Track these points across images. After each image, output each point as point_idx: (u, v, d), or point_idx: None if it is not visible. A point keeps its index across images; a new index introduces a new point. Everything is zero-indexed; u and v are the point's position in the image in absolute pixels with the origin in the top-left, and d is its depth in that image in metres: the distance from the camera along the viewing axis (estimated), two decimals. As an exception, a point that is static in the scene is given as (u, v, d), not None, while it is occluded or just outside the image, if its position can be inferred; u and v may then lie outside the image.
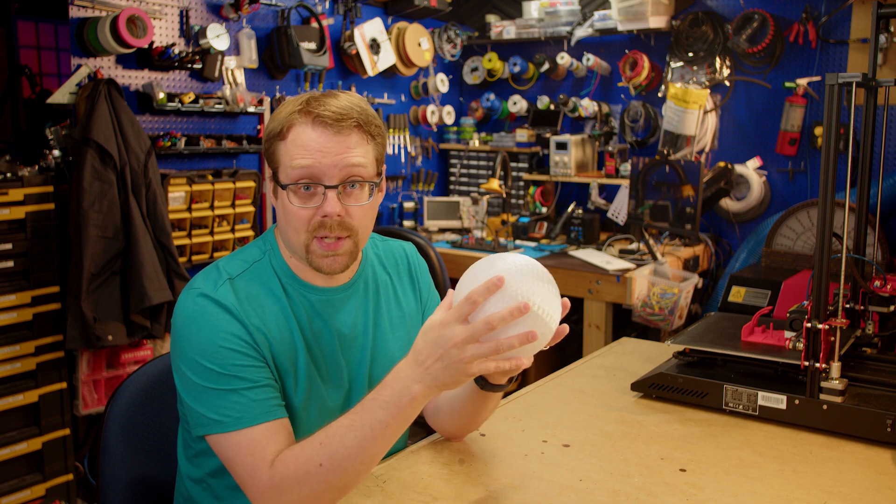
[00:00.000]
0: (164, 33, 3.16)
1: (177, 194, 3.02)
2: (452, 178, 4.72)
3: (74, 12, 2.87)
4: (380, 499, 1.22)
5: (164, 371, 1.42)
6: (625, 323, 3.45)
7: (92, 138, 2.63)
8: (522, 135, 4.30)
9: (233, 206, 3.26)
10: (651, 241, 3.53)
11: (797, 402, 1.49)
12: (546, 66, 4.25)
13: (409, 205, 4.46)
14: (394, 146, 4.35)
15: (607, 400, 1.66)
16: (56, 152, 2.72)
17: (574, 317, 3.43)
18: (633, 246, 3.69)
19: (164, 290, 2.76)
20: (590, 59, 4.08)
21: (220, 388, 1.13)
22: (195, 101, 3.19)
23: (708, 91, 3.71)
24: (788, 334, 1.63)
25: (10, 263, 2.56)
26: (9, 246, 2.55)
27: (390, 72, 4.21)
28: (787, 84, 3.50)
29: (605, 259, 3.46)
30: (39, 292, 2.64)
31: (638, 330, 3.39)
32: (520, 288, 1.03)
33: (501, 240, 3.88)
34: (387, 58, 4.08)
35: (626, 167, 3.88)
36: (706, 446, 1.42)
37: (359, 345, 1.31)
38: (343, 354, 1.29)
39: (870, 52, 1.77)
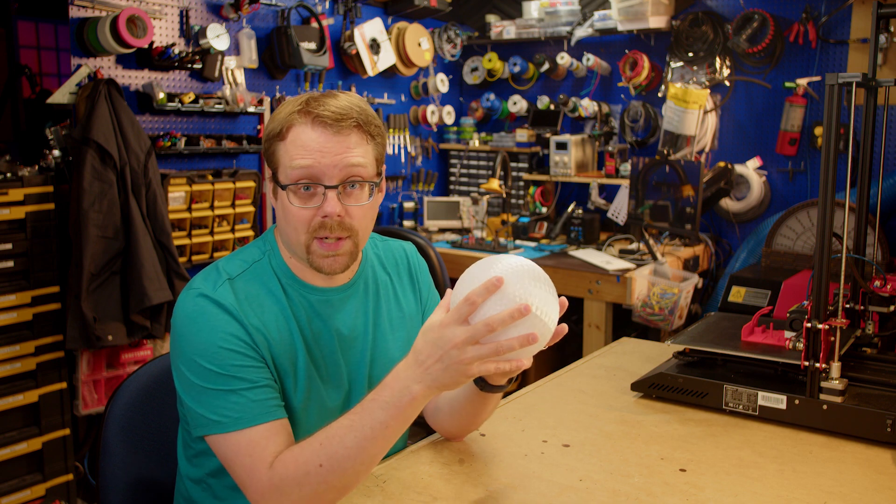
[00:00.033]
0: (164, 33, 3.16)
1: (177, 194, 3.02)
2: (452, 178, 4.72)
3: (74, 12, 2.87)
4: (380, 499, 1.22)
5: (164, 371, 1.42)
6: (625, 323, 3.45)
7: (92, 138, 2.63)
8: (522, 135, 4.30)
9: (233, 206, 3.26)
10: (651, 241, 3.53)
11: (797, 402, 1.49)
12: (546, 66, 4.25)
13: (409, 205, 4.46)
14: (394, 146, 4.35)
15: (607, 400, 1.66)
16: (56, 152, 2.72)
17: (574, 317, 3.43)
18: (633, 246, 3.69)
19: (164, 290, 2.76)
20: (590, 59, 4.08)
21: (220, 388, 1.13)
22: (195, 101, 3.19)
23: (708, 91, 3.71)
24: (788, 334, 1.63)
25: (10, 263, 2.56)
26: (9, 246, 2.55)
27: (390, 72, 4.21)
28: (787, 84, 3.50)
29: (605, 259, 3.46)
30: (39, 292, 2.64)
31: (638, 330, 3.39)
32: (518, 289, 1.03)
33: (501, 240, 3.88)
34: (387, 58, 4.08)
35: (626, 167, 3.88)
36: (706, 446, 1.42)
37: (358, 345, 1.31)
38: (343, 355, 1.29)
39: (870, 52, 1.77)
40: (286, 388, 1.22)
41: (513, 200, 4.39)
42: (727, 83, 3.76)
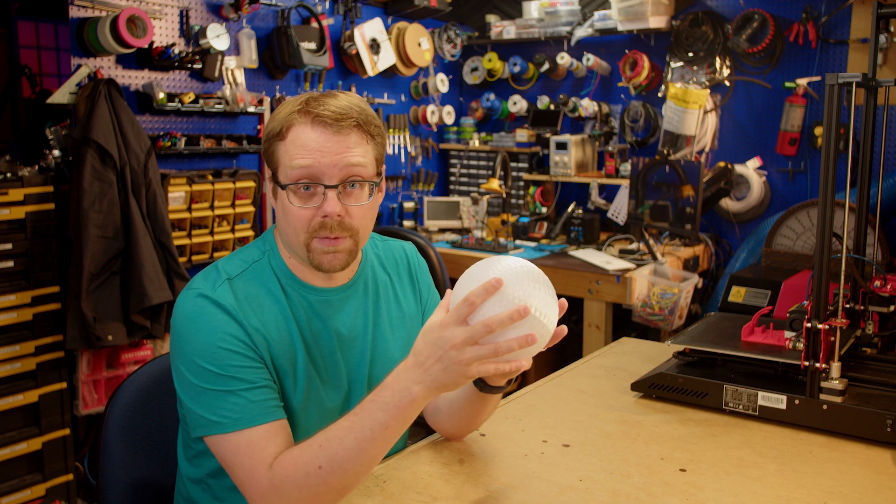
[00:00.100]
0: (164, 33, 3.16)
1: (177, 194, 3.02)
2: (452, 178, 4.72)
3: (74, 12, 2.87)
4: (380, 499, 1.22)
5: (164, 371, 1.42)
6: (625, 323, 3.45)
7: (92, 138, 2.63)
8: (522, 135, 4.30)
9: (233, 206, 3.26)
10: (651, 241, 3.53)
11: (797, 402, 1.49)
12: (546, 66, 4.25)
13: (409, 205, 4.46)
14: (394, 146, 4.35)
15: (607, 400, 1.66)
16: (56, 152, 2.73)
17: (574, 317, 3.43)
18: (633, 246, 3.69)
19: (164, 290, 2.76)
20: (590, 59, 4.08)
21: (219, 389, 1.13)
22: (195, 101, 3.19)
23: (708, 91, 3.71)
24: (788, 334, 1.63)
25: (10, 263, 2.56)
26: (9, 246, 2.56)
27: (390, 72, 4.21)
28: (787, 84, 3.50)
29: (605, 259, 3.46)
30: (39, 292, 2.64)
31: (638, 330, 3.39)
32: (518, 290, 1.03)
33: (501, 240, 3.88)
34: (387, 58, 4.08)
35: (626, 167, 3.88)
36: (706, 446, 1.42)
37: (358, 345, 1.31)
38: (342, 355, 1.29)
39: (870, 52, 1.77)
40: (285, 388, 1.22)
41: (513, 200, 4.39)
42: (727, 83, 3.76)
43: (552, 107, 4.31)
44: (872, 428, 1.41)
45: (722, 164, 3.67)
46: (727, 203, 3.74)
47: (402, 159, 4.45)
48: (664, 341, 1.80)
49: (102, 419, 1.36)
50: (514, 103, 4.44)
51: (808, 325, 1.46)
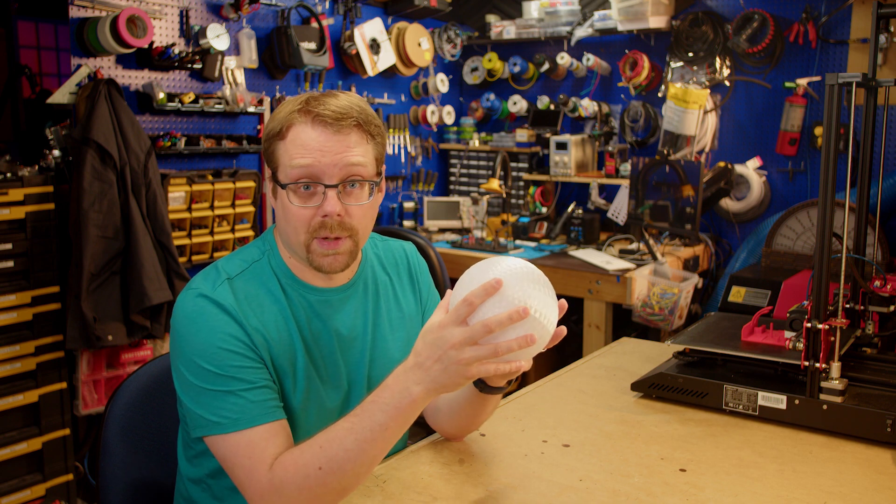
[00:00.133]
0: (164, 33, 3.16)
1: (177, 194, 3.02)
2: (452, 178, 4.72)
3: (74, 12, 2.87)
4: (380, 499, 1.22)
5: (164, 371, 1.42)
6: (625, 323, 3.45)
7: (92, 138, 2.63)
8: (522, 135, 4.30)
9: (233, 206, 3.26)
10: (651, 241, 3.53)
11: (797, 402, 1.49)
12: (546, 66, 4.25)
13: (409, 205, 4.46)
14: (394, 146, 4.35)
15: (607, 400, 1.66)
16: (56, 152, 2.73)
17: (574, 317, 3.43)
18: (633, 246, 3.69)
19: (164, 290, 2.76)
20: (590, 59, 4.08)
21: (218, 389, 1.13)
22: (195, 101, 3.19)
23: (708, 91, 3.71)
24: (788, 334, 1.63)
25: (10, 263, 2.56)
26: (9, 246, 2.55)
27: (390, 72, 4.21)
28: (787, 84, 3.50)
29: (605, 259, 3.46)
30: (39, 292, 2.64)
31: (638, 330, 3.39)
32: (517, 291, 1.03)
33: (501, 240, 3.88)
34: (387, 58, 4.08)
35: (626, 167, 3.88)
36: (706, 446, 1.42)
37: (358, 346, 1.31)
38: (342, 355, 1.29)
39: (870, 52, 1.77)
40: (285, 388, 1.22)
41: (513, 200, 4.39)
42: (727, 83, 3.76)
43: (552, 107, 4.31)
44: (872, 428, 1.41)
45: (722, 164, 3.67)
46: (727, 203, 3.74)
47: (402, 159, 4.45)
48: (664, 341, 1.80)
49: (102, 419, 1.36)
50: (514, 103, 4.44)
51: (808, 325, 1.46)
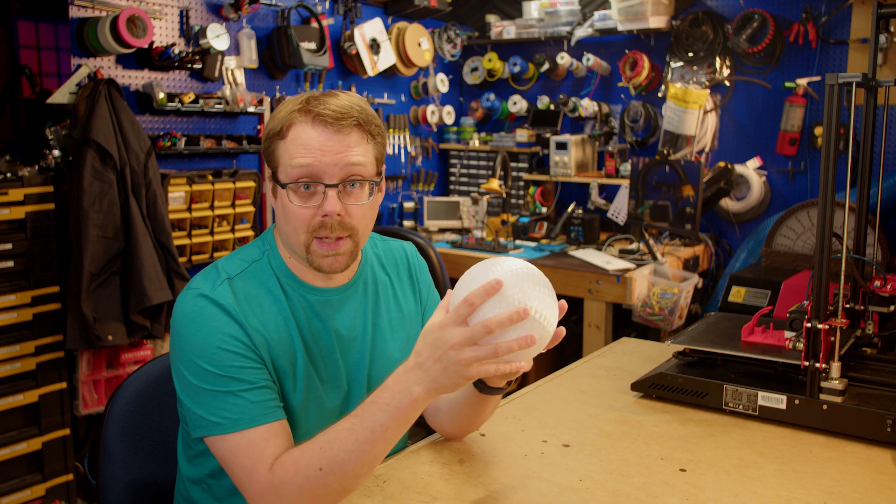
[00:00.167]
0: (164, 33, 3.16)
1: (177, 194, 3.02)
2: (452, 178, 4.72)
3: (74, 12, 2.87)
4: (380, 499, 1.22)
5: (164, 371, 1.42)
6: (625, 323, 3.45)
7: (92, 138, 2.63)
8: (522, 135, 4.30)
9: (233, 206, 3.26)
10: (651, 241, 3.53)
11: (797, 402, 1.49)
12: (546, 66, 4.25)
13: (409, 205, 4.46)
14: (394, 146, 4.35)
15: (607, 400, 1.66)
16: (56, 152, 2.73)
17: (574, 317, 3.43)
18: (633, 246, 3.69)
19: (164, 290, 2.76)
20: (590, 59, 4.08)
21: (218, 389, 1.13)
22: (195, 101, 3.19)
23: (708, 91, 3.71)
24: (788, 334, 1.63)
25: (10, 263, 2.56)
26: (9, 246, 2.55)
27: (390, 72, 4.21)
28: (787, 84, 3.50)
29: (605, 259, 3.46)
30: (39, 292, 2.64)
31: (638, 330, 3.39)
32: (518, 292, 1.03)
33: (501, 240, 3.88)
34: (387, 58, 4.08)
35: (626, 167, 3.88)
36: (706, 446, 1.42)
37: (357, 346, 1.31)
38: (342, 355, 1.29)
39: (870, 52, 1.77)
40: (285, 388, 1.22)
41: (513, 200, 4.39)
42: (727, 83, 3.76)
43: (552, 107, 4.31)
44: (872, 428, 1.41)
45: (722, 164, 3.67)
46: (727, 203, 3.74)
47: (402, 159, 4.45)
48: (664, 341, 1.80)
49: (102, 419, 1.36)
50: (514, 103, 4.44)
51: (808, 325, 1.46)
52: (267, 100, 3.50)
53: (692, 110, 3.63)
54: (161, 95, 3.06)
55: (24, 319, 2.61)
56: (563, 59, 4.13)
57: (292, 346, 1.22)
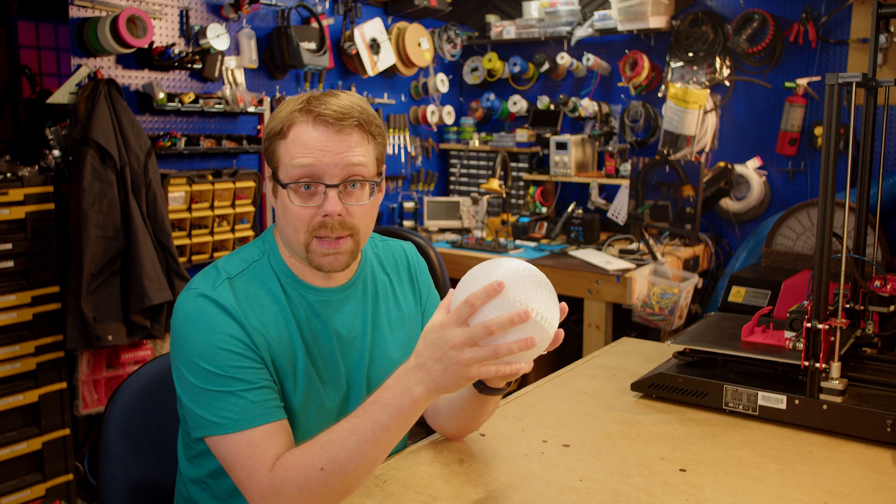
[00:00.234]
0: (164, 33, 3.16)
1: (177, 194, 3.02)
2: (452, 178, 4.72)
3: (74, 12, 2.87)
4: (380, 499, 1.22)
5: (164, 371, 1.42)
6: (625, 323, 3.45)
7: (92, 138, 2.63)
8: (522, 135, 4.30)
9: (233, 206, 3.26)
10: (651, 241, 3.53)
11: (797, 402, 1.49)
12: (546, 66, 4.25)
13: (409, 205, 4.46)
14: (394, 146, 4.35)
15: (607, 400, 1.66)
16: (56, 152, 2.73)
17: (574, 317, 3.43)
18: (633, 246, 3.69)
19: (164, 290, 2.76)
20: (590, 59, 4.08)
21: (219, 389, 1.13)
22: (195, 101, 3.19)
23: (708, 91, 3.71)
24: (788, 334, 1.63)
25: (10, 263, 2.56)
26: (9, 246, 2.55)
27: (390, 72, 4.21)
28: (787, 84, 3.50)
29: (605, 259, 3.46)
30: (39, 292, 2.64)
31: (638, 330, 3.39)
32: (519, 293, 1.03)
33: (501, 240, 3.88)
34: (387, 58, 4.08)
35: (626, 167, 3.88)
36: (706, 446, 1.42)
37: (357, 346, 1.31)
38: (341, 355, 1.29)
39: (870, 52, 1.77)
40: (286, 388, 1.22)
41: (513, 200, 4.39)
42: (727, 83, 3.76)
43: (552, 107, 4.31)
44: (872, 428, 1.41)
45: (722, 164, 3.67)
46: (727, 203, 3.74)
47: (402, 159, 4.45)
48: (664, 341, 1.80)
49: (102, 419, 1.36)
50: (514, 103, 4.44)
51: (808, 325, 1.46)
52: (267, 100, 3.50)
53: (692, 110, 3.63)
54: (161, 95, 3.06)
55: (24, 319, 2.61)
56: (563, 59, 4.13)
57: (292, 346, 1.22)
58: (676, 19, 3.82)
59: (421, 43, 4.22)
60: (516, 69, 4.39)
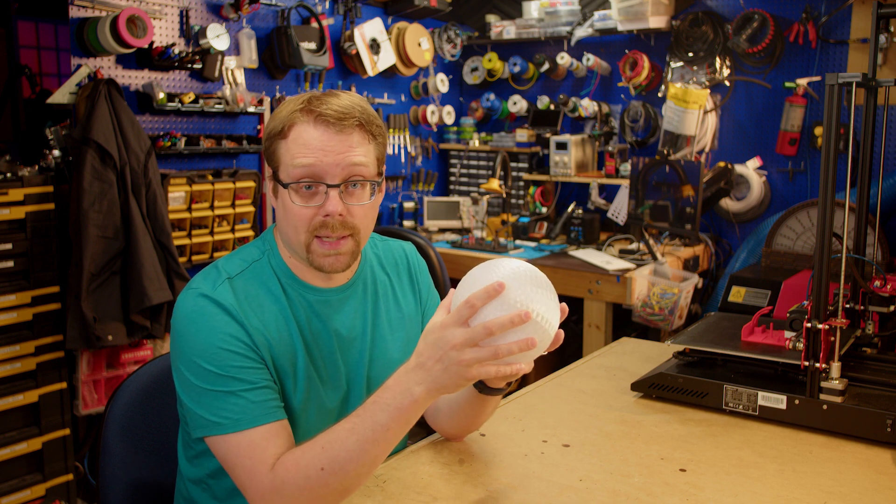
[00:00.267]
0: (164, 33, 3.16)
1: (177, 194, 3.02)
2: (452, 178, 4.72)
3: (74, 12, 2.87)
4: (380, 499, 1.22)
5: (164, 371, 1.42)
6: (625, 323, 3.45)
7: (92, 138, 2.63)
8: (522, 135, 4.30)
9: (233, 206, 3.26)
10: (651, 241, 3.53)
11: (797, 402, 1.49)
12: (546, 66, 4.25)
13: (409, 205, 4.46)
14: (394, 146, 4.35)
15: (607, 400, 1.66)
16: (56, 152, 2.73)
17: (574, 317, 3.43)
18: (633, 246, 3.69)
19: (164, 290, 2.76)
20: (590, 59, 4.08)
21: (219, 389, 1.13)
22: (195, 101, 3.19)
23: (708, 91, 3.71)
24: (788, 334, 1.63)
25: (10, 263, 2.56)
26: (9, 246, 2.55)
27: (390, 72, 4.21)
28: (787, 84, 3.51)
29: (605, 259, 3.46)
30: (39, 292, 2.64)
31: (638, 330, 3.39)
32: (519, 294, 1.03)
33: (501, 240, 3.88)
34: (387, 58, 4.08)
35: (626, 167, 3.88)
36: (706, 446, 1.42)
37: (357, 346, 1.31)
38: (341, 355, 1.29)
39: (870, 52, 1.77)
40: (286, 388, 1.22)
41: (513, 200, 4.39)
42: (727, 83, 3.76)
43: (552, 107, 4.31)
44: (872, 428, 1.41)
45: (722, 164, 3.67)
46: (727, 203, 3.74)
47: (402, 159, 4.45)
48: (664, 341, 1.80)
49: (102, 419, 1.36)
50: (514, 103, 4.44)
51: (808, 325, 1.46)
52: (267, 100, 3.50)
53: (692, 110, 3.63)
54: (161, 95, 3.06)
55: (24, 319, 2.61)
56: (563, 59, 4.13)
57: (293, 346, 1.22)
58: (676, 19, 3.82)
59: (421, 43, 4.23)
60: (516, 69, 4.39)
